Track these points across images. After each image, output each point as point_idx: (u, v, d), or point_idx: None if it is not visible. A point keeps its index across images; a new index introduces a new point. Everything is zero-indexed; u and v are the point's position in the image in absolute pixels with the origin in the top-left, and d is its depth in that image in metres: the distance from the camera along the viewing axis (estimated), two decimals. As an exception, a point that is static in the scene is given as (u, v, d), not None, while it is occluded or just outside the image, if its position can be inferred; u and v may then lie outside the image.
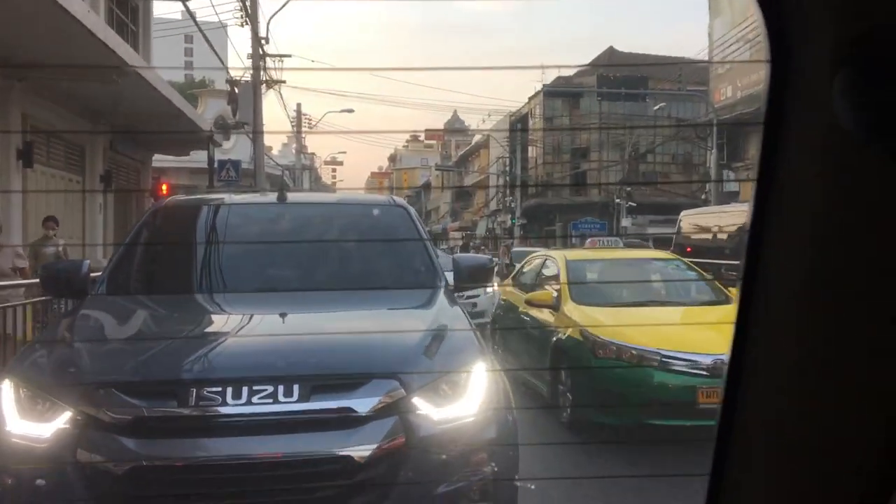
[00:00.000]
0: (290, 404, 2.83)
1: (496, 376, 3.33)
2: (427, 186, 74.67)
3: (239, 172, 18.26)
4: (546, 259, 8.88)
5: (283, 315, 3.75)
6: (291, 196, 5.21)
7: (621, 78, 39.50)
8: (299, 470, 2.85)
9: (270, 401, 2.83)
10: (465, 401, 3.09)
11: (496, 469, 3.08)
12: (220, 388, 2.84)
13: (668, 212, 37.22)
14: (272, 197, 5.00)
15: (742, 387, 0.85)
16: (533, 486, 3.97)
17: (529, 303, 7.51)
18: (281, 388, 2.84)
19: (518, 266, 14.14)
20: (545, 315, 7.22)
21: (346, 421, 2.88)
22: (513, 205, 44.89)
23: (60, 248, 9.43)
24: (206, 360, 3.22)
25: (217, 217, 4.69)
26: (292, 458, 2.83)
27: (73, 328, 3.59)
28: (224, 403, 2.81)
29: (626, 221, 34.94)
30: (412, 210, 5.06)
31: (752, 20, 26.36)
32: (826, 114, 0.67)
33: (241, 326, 3.77)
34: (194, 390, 2.83)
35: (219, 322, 3.98)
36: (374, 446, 2.84)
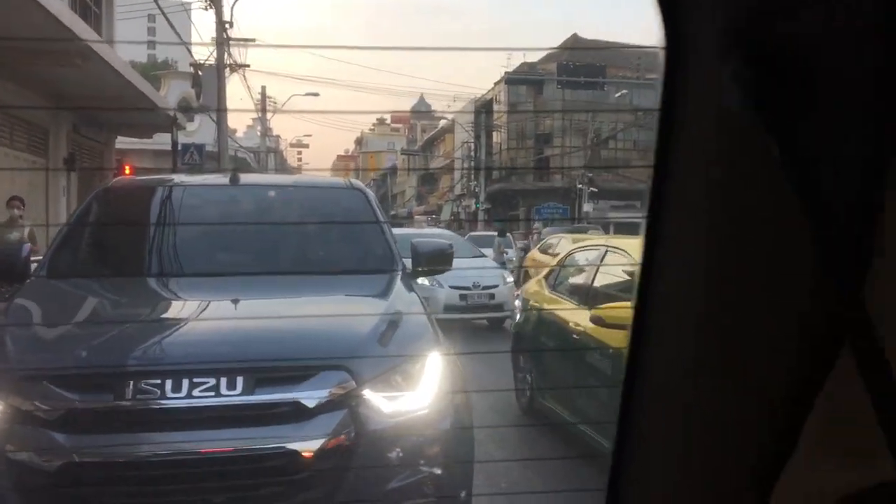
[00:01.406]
0: (233, 397, 2.72)
1: (451, 365, 3.21)
2: (393, 170, 74.77)
3: (203, 155, 18.40)
4: (608, 251, 5.68)
5: (231, 302, 3.59)
6: (245, 178, 5.10)
7: (582, 66, 40.07)
8: (243, 466, 2.75)
9: (212, 394, 2.71)
10: (419, 392, 2.99)
11: (450, 462, 3.01)
12: (158, 380, 2.71)
13: (629, 197, 38.11)
14: (225, 178, 4.85)
15: (639, 383, 0.85)
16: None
17: (601, 322, 4.53)
18: (224, 381, 2.73)
19: (549, 257, 13.00)
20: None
21: (293, 414, 2.77)
22: (477, 189, 45.32)
23: (26, 233, 8.93)
24: (144, 349, 3.05)
25: (165, 199, 4.48)
26: (236, 454, 2.74)
27: (6, 314, 3.41)
28: (163, 396, 2.68)
29: (587, 206, 35.59)
30: (370, 193, 4.97)
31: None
32: (718, 101, 0.67)
33: (185, 314, 3.61)
34: (131, 382, 2.70)
35: (161, 309, 3.80)
36: (323, 441, 2.74)
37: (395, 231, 5.57)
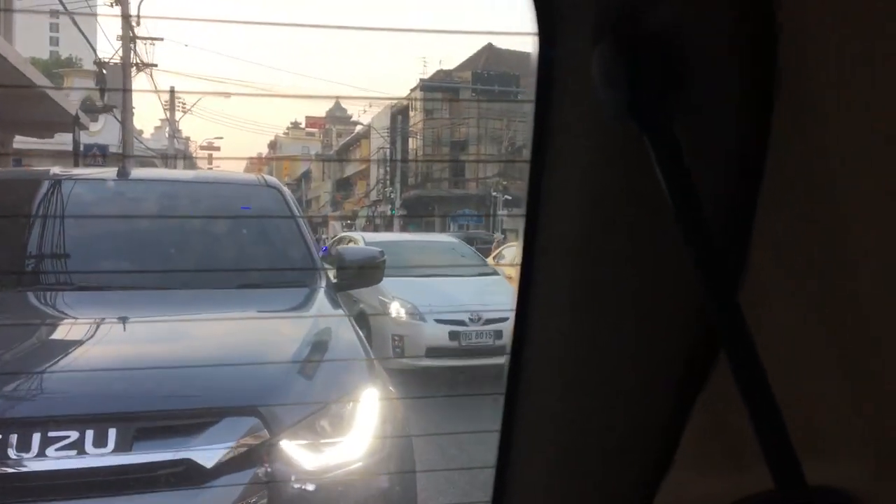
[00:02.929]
0: (102, 457, 2.05)
1: (391, 404, 2.60)
2: (307, 175, 73.95)
3: (106, 156, 17.82)
4: None
5: (104, 324, 2.83)
6: (137, 172, 4.40)
7: (496, 75, 40.73)
8: None
9: (74, 452, 2.04)
10: (351, 441, 2.36)
11: None
12: None
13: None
14: (112, 172, 4.11)
15: (520, 393, 0.81)
16: None
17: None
18: (90, 434, 2.05)
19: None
20: None
21: (185, 478, 2.10)
22: (392, 196, 45.34)
23: None
24: None
25: (36, 194, 3.67)
26: None
27: None
28: (3, 458, 1.99)
29: (502, 212, 36.11)
30: (286, 191, 4.22)
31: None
32: (588, 93, 0.64)
33: (40, 341, 2.74)
34: None
35: (9, 334, 2.73)
36: None
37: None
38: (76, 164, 17.08)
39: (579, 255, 0.73)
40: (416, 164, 44.55)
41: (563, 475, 0.83)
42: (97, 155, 17.57)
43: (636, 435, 0.77)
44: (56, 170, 4.18)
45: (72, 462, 2.04)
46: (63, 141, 19.01)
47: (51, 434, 2.05)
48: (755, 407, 0.59)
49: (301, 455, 2.27)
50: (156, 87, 30.43)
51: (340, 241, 10.04)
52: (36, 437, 2.03)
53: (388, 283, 6.63)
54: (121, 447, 2.08)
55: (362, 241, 9.25)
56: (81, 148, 17.44)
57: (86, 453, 2.05)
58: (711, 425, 0.71)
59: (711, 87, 0.62)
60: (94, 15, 20.93)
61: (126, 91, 18.00)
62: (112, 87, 17.81)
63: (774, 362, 0.60)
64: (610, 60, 0.62)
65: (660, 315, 0.72)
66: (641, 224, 0.69)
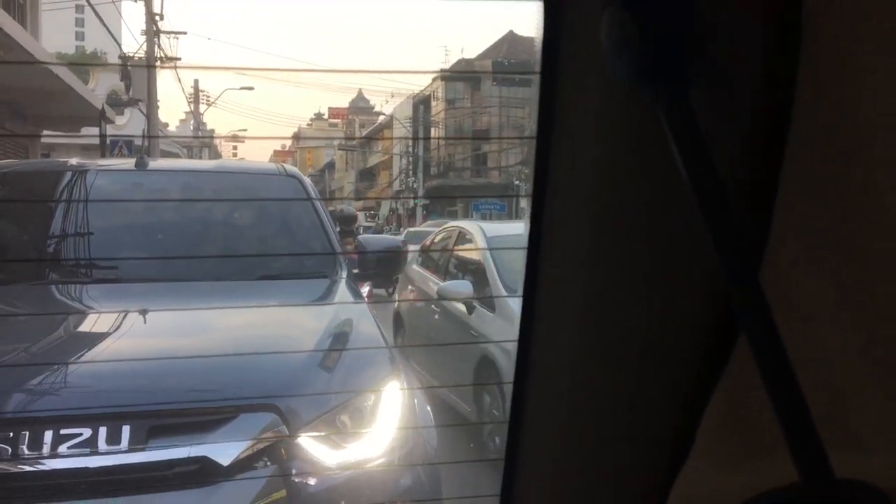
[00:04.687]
0: (116, 455, 2.01)
1: (413, 398, 2.54)
2: (331, 166, 74.20)
3: (132, 150, 18.01)
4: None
5: (122, 317, 2.79)
6: (156, 163, 4.36)
7: (517, 63, 40.55)
8: None
9: (87, 450, 2.00)
10: (372, 437, 2.30)
11: None
12: (9, 434, 1.99)
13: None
14: (130, 163, 3.99)
15: (530, 382, 0.79)
16: None
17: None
18: (103, 432, 2.01)
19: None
20: None
21: (202, 475, 2.06)
22: (415, 185, 45.36)
23: None
24: None
25: (55, 186, 3.72)
26: None
27: None
28: (15, 457, 1.96)
29: (524, 202, 36.04)
30: (307, 181, 4.15)
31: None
32: (598, 61, 0.60)
33: (56, 335, 2.65)
34: None
35: (23, 328, 2.71)
36: None
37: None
38: (103, 157, 17.26)
39: (589, 235, 0.69)
40: (439, 153, 44.52)
41: (573, 467, 0.80)
42: (123, 148, 17.75)
43: (650, 425, 0.73)
44: (77, 161, 4.17)
45: (85, 461, 2.00)
46: (90, 134, 19.25)
47: (63, 432, 2.00)
48: (779, 395, 0.56)
49: (321, 451, 2.21)
50: (179, 81, 30.62)
51: (451, 235, 7.18)
52: (48, 436, 1.98)
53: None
54: (135, 444, 2.03)
55: (481, 233, 6.43)
56: (108, 141, 17.64)
57: (99, 452, 2.01)
58: (729, 415, 0.68)
59: (731, 53, 0.58)
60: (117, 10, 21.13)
61: (151, 77, 18.17)
62: (137, 81, 17.98)
63: (797, 348, 0.56)
64: (620, 23, 0.57)
65: (675, 299, 0.68)
66: (655, 201, 0.65)
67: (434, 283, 6.68)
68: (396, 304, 8.04)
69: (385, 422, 2.35)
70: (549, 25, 0.66)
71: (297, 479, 2.16)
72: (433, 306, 6.31)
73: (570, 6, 0.64)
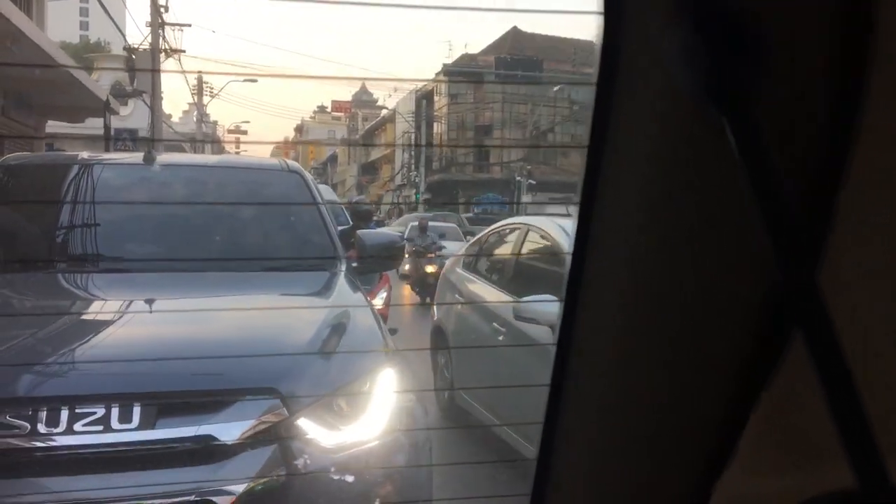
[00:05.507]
0: (128, 433, 2.15)
1: (406, 383, 2.69)
2: (333, 159, 74.35)
3: (136, 141, 18.13)
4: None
5: (132, 305, 2.99)
6: (163, 157, 4.51)
7: (520, 60, 40.65)
8: None
9: (100, 428, 2.14)
10: (367, 420, 2.45)
11: None
12: (28, 412, 2.13)
13: (567, 189, 38.75)
14: (138, 157, 4.17)
15: (567, 380, 0.79)
16: None
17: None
18: (115, 411, 2.16)
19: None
20: None
21: (207, 453, 2.21)
22: (417, 180, 45.49)
23: None
24: (12, 369, 2.33)
25: (66, 179, 3.87)
26: None
27: None
28: (33, 433, 2.10)
29: (526, 198, 36.13)
30: (308, 176, 4.34)
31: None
32: (661, 74, 0.61)
33: (69, 321, 2.84)
34: None
35: (39, 314, 2.93)
36: (244, 486, 2.18)
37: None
38: (107, 149, 17.37)
39: (642, 237, 0.70)
40: (441, 148, 44.63)
41: (609, 468, 0.79)
42: (126, 140, 17.86)
43: (695, 425, 0.72)
44: (85, 154, 4.36)
45: (98, 437, 2.15)
46: (94, 125, 19.38)
47: (78, 410, 2.14)
48: (836, 398, 0.54)
49: (318, 433, 2.36)
50: (184, 71, 30.71)
51: (517, 234, 5.73)
52: (64, 414, 2.13)
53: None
54: (145, 423, 2.18)
55: (563, 236, 4.79)
56: (112, 132, 17.76)
57: (112, 429, 2.15)
58: (777, 418, 0.67)
59: (798, 64, 0.58)
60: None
61: (154, 72, 18.27)
62: (141, 72, 18.09)
63: (853, 350, 0.55)
64: (690, 37, 0.58)
65: (728, 297, 0.68)
66: (710, 209, 0.66)
67: (494, 295, 5.32)
68: (436, 317, 6.47)
69: (379, 407, 2.50)
70: (608, 35, 0.66)
71: (295, 458, 2.30)
72: (495, 324, 4.99)
73: (633, 18, 0.64)
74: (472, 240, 7.44)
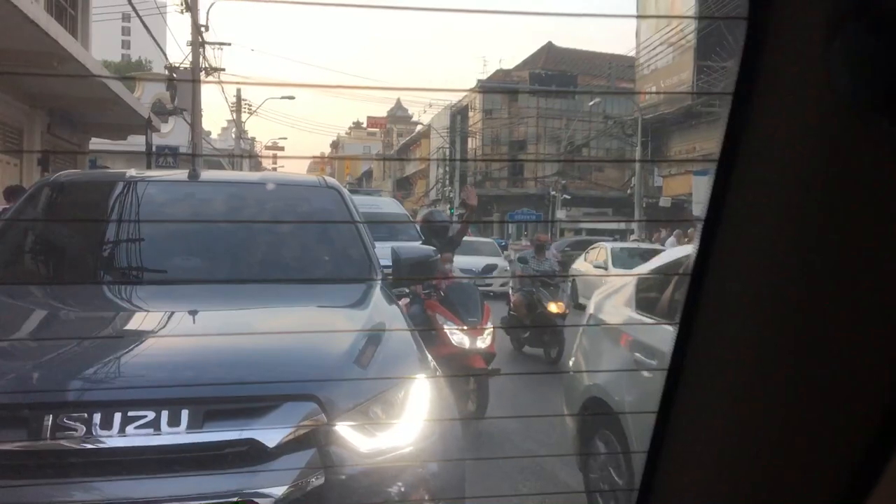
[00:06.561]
0: (176, 435, 2.27)
1: (440, 391, 2.81)
2: (369, 174, 74.91)
3: (177, 158, 18.47)
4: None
5: (178, 315, 3.14)
6: (206, 174, 4.76)
7: (555, 75, 40.69)
8: None
9: (151, 431, 2.26)
10: (402, 426, 2.57)
11: None
12: (84, 415, 2.23)
13: (601, 205, 38.65)
14: (183, 175, 4.40)
15: (681, 394, 0.78)
16: None
17: None
18: (165, 415, 2.28)
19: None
20: None
21: (250, 456, 2.32)
22: (451, 195, 45.64)
23: None
24: (69, 375, 2.50)
25: (113, 196, 4.05)
26: None
27: None
28: (88, 435, 2.21)
29: (560, 213, 36.03)
30: (345, 192, 4.43)
31: (676, 24, 27.48)
32: (816, 84, 0.57)
33: (119, 330, 3.00)
34: (49, 417, 2.21)
35: (92, 324, 3.12)
36: (285, 488, 2.29)
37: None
38: (148, 164, 17.73)
39: (779, 260, 0.66)
40: (475, 163, 44.77)
41: (726, 467, 0.77)
42: (168, 155, 18.21)
43: (839, 431, 0.68)
44: (133, 172, 4.47)
45: (149, 440, 2.25)
46: (135, 142, 19.82)
47: (130, 414, 2.25)
48: None
49: (356, 438, 2.46)
50: (223, 90, 31.24)
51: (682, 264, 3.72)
52: (117, 417, 2.24)
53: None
54: (193, 427, 2.28)
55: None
56: (153, 148, 18.12)
57: (161, 432, 2.25)
58: None
59: None
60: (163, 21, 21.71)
61: (195, 88, 18.62)
62: (182, 90, 18.45)
63: None
64: (859, 46, 0.54)
65: (879, 309, 0.63)
66: (864, 217, 0.62)
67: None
68: (586, 383, 4.08)
69: (413, 413, 2.60)
70: (750, 42, 0.63)
71: (334, 463, 2.40)
72: None
73: (784, 25, 0.61)
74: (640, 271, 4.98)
